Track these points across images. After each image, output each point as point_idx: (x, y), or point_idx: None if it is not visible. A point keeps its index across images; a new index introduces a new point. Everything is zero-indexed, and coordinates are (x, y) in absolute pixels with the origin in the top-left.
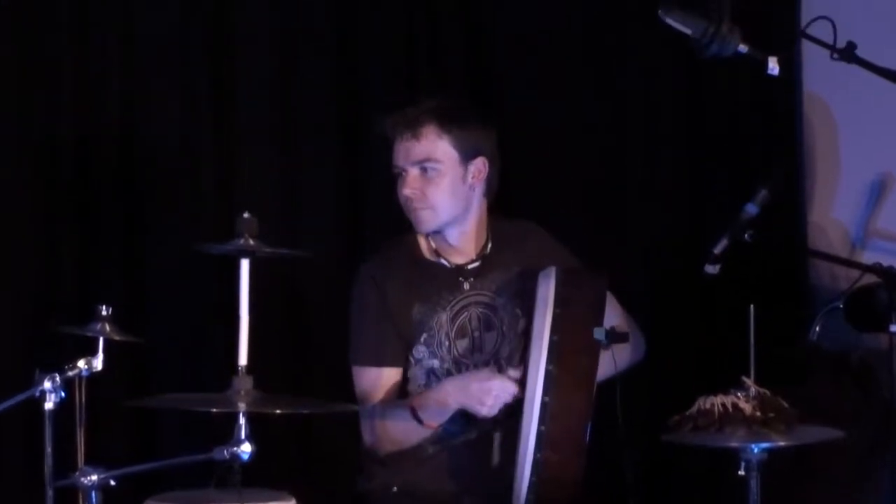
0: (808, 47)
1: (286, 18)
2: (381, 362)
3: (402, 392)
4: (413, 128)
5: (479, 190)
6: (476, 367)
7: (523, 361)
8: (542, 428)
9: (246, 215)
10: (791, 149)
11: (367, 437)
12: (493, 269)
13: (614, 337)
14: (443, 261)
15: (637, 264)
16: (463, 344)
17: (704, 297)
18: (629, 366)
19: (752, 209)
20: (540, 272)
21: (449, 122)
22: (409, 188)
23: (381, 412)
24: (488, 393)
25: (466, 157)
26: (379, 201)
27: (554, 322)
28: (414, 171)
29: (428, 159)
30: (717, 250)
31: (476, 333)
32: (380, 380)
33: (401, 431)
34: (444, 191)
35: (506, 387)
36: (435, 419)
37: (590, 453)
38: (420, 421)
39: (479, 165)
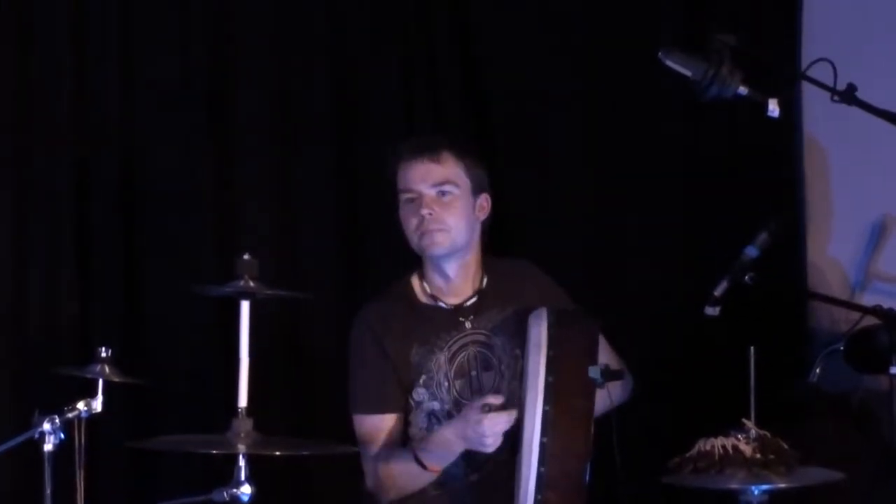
0: (808, 89)
1: (285, 59)
2: (381, 409)
3: (403, 436)
4: (433, 150)
5: (479, 226)
6: None
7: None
8: (542, 469)
9: (246, 257)
10: (791, 191)
11: (369, 483)
12: (489, 307)
13: (609, 375)
14: (440, 303)
15: (637, 305)
16: (462, 384)
17: (705, 338)
18: (619, 403)
19: (752, 252)
20: (531, 313)
21: (464, 151)
22: (427, 208)
23: (385, 458)
24: (483, 434)
25: (476, 189)
26: (378, 242)
27: (548, 363)
28: (431, 193)
29: (447, 181)
30: (718, 292)
31: (474, 373)
32: (381, 426)
33: (405, 477)
34: (459, 215)
35: (497, 421)
36: (439, 463)
37: (589, 494)
38: (424, 466)
39: (483, 202)
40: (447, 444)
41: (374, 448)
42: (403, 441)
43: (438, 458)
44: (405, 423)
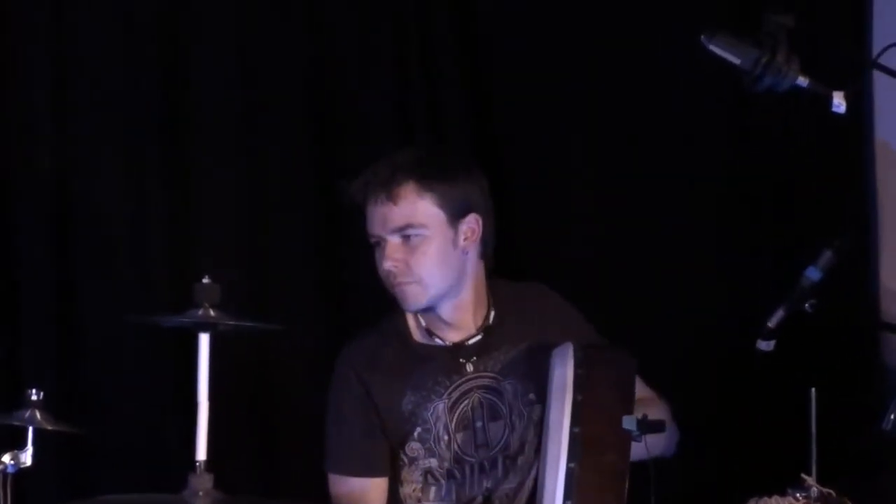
0: (880, 80)
1: (253, 49)
2: (362, 472)
3: (391, 497)
4: (388, 188)
5: (474, 252)
6: (481, 464)
7: (538, 457)
8: None
9: (205, 281)
10: (860, 203)
11: None
12: (497, 344)
13: (647, 427)
14: (437, 340)
15: (675, 340)
16: (465, 438)
17: (757, 378)
18: (658, 457)
19: (814, 274)
20: (554, 350)
21: (430, 177)
22: (390, 261)
23: None
24: None
25: (455, 216)
26: (362, 266)
27: (574, 411)
28: (394, 241)
29: (409, 225)
30: (773, 323)
31: (479, 424)
32: (361, 492)
33: None
34: (432, 259)
35: None
36: None
37: None
38: None
39: (472, 224)
40: None
41: None
42: (389, 502)
43: None
44: (396, 483)
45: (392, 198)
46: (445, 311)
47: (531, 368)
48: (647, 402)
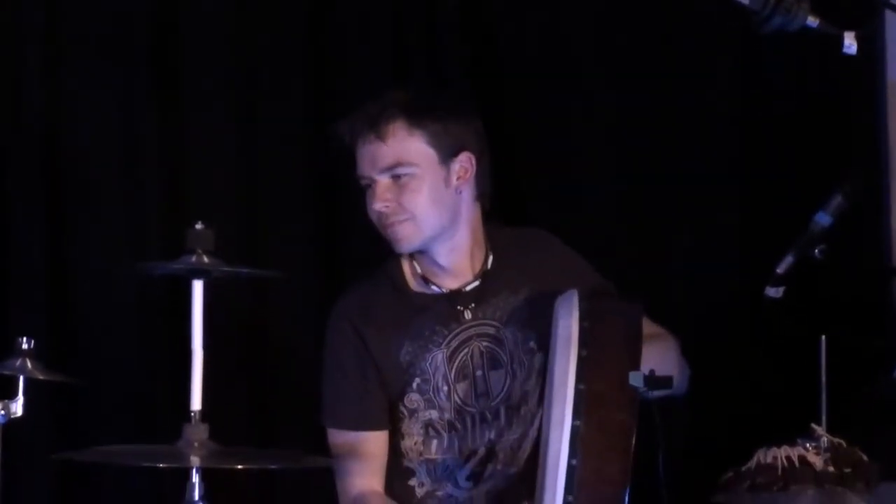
0: (892, 21)
1: None
2: (358, 426)
3: (393, 451)
4: (377, 127)
5: (468, 193)
6: (482, 415)
7: (542, 407)
8: (569, 498)
9: (199, 226)
10: (872, 145)
11: None
12: (496, 291)
13: (655, 383)
14: (434, 287)
15: (682, 286)
16: (465, 388)
17: (765, 326)
18: (666, 396)
19: (823, 219)
20: (558, 297)
21: (420, 114)
22: (381, 201)
23: None
24: None
25: (446, 154)
26: (359, 209)
27: (579, 367)
28: (384, 180)
29: (399, 163)
30: (782, 269)
31: (479, 373)
32: (358, 446)
33: None
34: (424, 198)
35: None
36: None
37: None
38: None
39: (464, 163)
40: None
41: (350, 465)
42: (394, 456)
43: None
44: (397, 436)
45: (381, 136)
46: (441, 254)
47: (532, 316)
48: (656, 339)
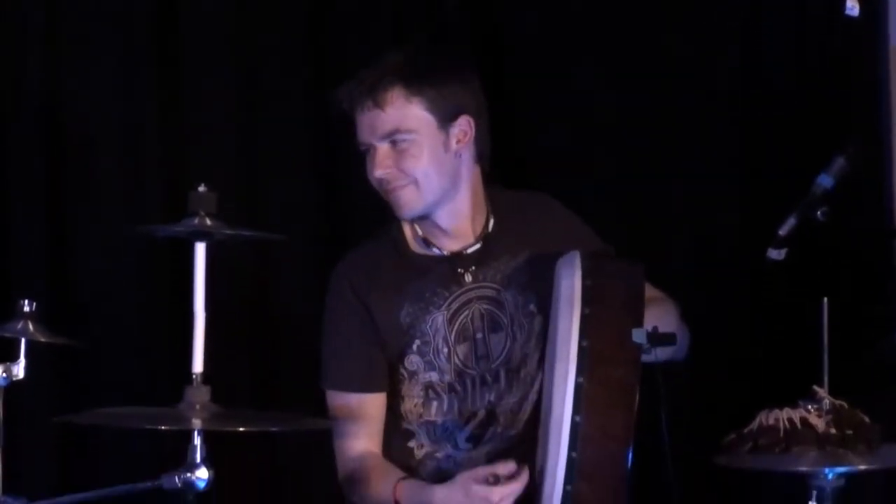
0: None
1: None
2: (358, 388)
3: (392, 412)
4: (374, 95)
5: (468, 155)
6: (482, 377)
7: (541, 369)
8: (573, 454)
9: (201, 189)
10: (874, 109)
11: (340, 472)
12: (497, 254)
13: (657, 339)
14: (434, 250)
15: (684, 248)
16: (465, 350)
17: (767, 288)
18: (668, 360)
19: (826, 181)
20: (560, 259)
21: (417, 80)
22: (381, 168)
23: (363, 474)
24: None
25: (445, 119)
26: (361, 172)
27: (582, 324)
28: (384, 147)
29: (397, 130)
30: (784, 232)
31: (479, 335)
32: (358, 409)
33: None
34: (424, 163)
35: (507, 493)
36: None
37: (631, 483)
38: None
39: (463, 126)
40: None
41: (349, 427)
42: (394, 417)
43: None
44: (397, 398)
45: (379, 104)
46: (442, 217)
47: (532, 279)
48: (657, 302)
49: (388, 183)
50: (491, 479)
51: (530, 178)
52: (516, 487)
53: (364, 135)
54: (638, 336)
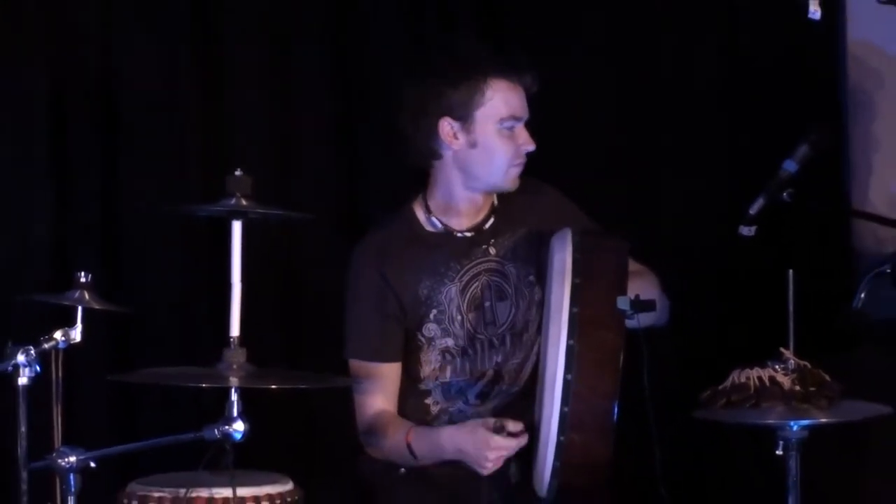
0: None
1: None
2: (376, 358)
3: (410, 377)
4: (532, 75)
5: None
6: (490, 341)
7: (540, 334)
8: (566, 409)
9: (238, 173)
10: (834, 102)
11: (360, 425)
12: (501, 231)
13: (640, 306)
14: (445, 228)
15: (665, 226)
16: (475, 317)
17: (739, 261)
18: (649, 326)
19: (791, 166)
20: (553, 236)
21: (535, 79)
22: (531, 143)
23: (380, 427)
24: (486, 457)
25: None
26: (380, 157)
27: (573, 293)
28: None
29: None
30: (754, 210)
31: (488, 304)
32: (376, 375)
33: (394, 451)
34: None
35: (504, 446)
36: (429, 461)
37: (617, 434)
38: (415, 456)
39: None
40: (440, 448)
41: (368, 386)
42: (412, 381)
43: (429, 458)
44: (416, 364)
45: (528, 86)
46: (475, 198)
47: (530, 253)
48: (639, 274)
49: (522, 157)
50: (497, 426)
51: None
52: (513, 444)
53: (518, 109)
54: (622, 303)
